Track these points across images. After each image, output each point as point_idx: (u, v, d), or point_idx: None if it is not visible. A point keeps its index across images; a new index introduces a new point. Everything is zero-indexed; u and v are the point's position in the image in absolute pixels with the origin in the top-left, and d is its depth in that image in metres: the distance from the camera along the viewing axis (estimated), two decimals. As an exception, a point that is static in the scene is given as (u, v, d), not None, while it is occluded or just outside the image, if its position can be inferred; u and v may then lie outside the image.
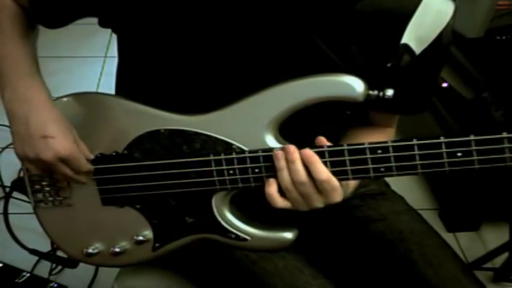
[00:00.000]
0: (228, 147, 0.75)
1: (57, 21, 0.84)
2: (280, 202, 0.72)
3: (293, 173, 0.70)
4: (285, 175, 0.71)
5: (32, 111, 0.77)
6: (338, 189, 0.70)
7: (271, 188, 0.72)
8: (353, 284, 0.87)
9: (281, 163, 0.71)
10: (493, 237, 1.68)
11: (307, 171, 0.70)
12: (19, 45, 0.82)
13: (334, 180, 0.69)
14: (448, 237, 1.33)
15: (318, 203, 0.72)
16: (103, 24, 0.81)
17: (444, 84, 1.68)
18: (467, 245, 1.72)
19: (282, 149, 0.71)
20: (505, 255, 1.52)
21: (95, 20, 0.81)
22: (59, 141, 0.77)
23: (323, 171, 0.69)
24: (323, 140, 0.72)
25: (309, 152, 0.70)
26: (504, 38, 1.71)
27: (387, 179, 0.90)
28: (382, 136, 0.87)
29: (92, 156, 0.81)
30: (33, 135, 0.76)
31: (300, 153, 0.70)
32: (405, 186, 1.05)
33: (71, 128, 0.80)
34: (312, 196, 0.71)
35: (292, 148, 0.70)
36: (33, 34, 0.86)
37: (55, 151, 0.76)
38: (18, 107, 0.77)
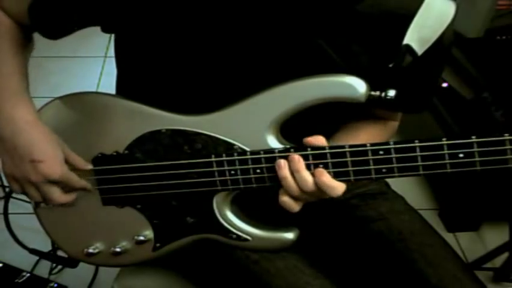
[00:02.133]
0: (229, 147, 0.75)
1: (59, 32, 0.83)
2: (296, 207, 0.73)
3: (300, 183, 0.70)
4: (290, 183, 0.71)
5: (17, 133, 0.77)
6: (343, 188, 0.70)
7: (285, 197, 0.72)
8: (354, 283, 0.87)
9: (283, 171, 0.71)
10: (493, 237, 1.68)
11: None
12: (11, 61, 0.81)
13: (342, 186, 0.70)
14: (448, 237, 1.33)
15: (329, 196, 0.72)
16: (105, 30, 0.81)
17: (445, 84, 1.68)
18: (467, 245, 1.72)
19: (286, 157, 0.71)
20: (505, 255, 1.52)
21: (95, 19, 0.81)
22: (48, 165, 0.77)
23: (336, 188, 0.69)
24: (320, 139, 0.72)
25: (319, 171, 0.70)
26: (504, 38, 1.72)
27: (387, 179, 0.90)
28: (385, 129, 0.88)
29: (89, 166, 0.81)
30: (22, 158, 0.76)
31: (313, 171, 0.70)
32: (405, 186, 1.05)
33: (59, 146, 0.80)
34: (322, 195, 0.72)
35: (296, 157, 0.70)
36: (26, 50, 0.86)
37: (45, 175, 0.77)
38: (4, 128, 0.77)
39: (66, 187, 0.81)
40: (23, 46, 0.85)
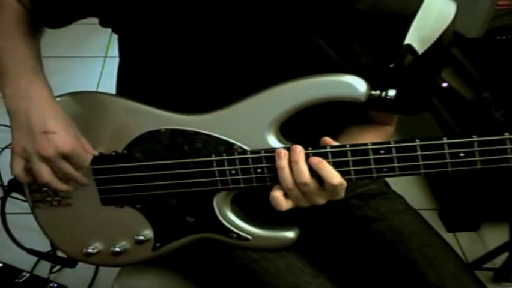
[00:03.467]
0: (229, 147, 0.75)
1: (58, 21, 0.83)
2: (284, 205, 0.73)
3: (296, 173, 0.70)
4: (286, 174, 0.71)
5: (32, 107, 0.76)
6: (344, 188, 0.71)
7: (277, 192, 0.73)
8: (354, 283, 0.87)
9: (283, 162, 0.71)
10: (493, 237, 1.68)
11: (312, 173, 0.70)
12: (24, 43, 0.81)
13: (344, 183, 0.70)
14: (448, 237, 1.33)
15: (321, 200, 0.73)
16: (103, 24, 0.81)
17: (445, 84, 1.68)
18: (467, 245, 1.72)
19: (288, 148, 0.71)
20: (505, 255, 1.52)
21: (95, 20, 0.81)
22: (61, 137, 0.76)
23: (336, 176, 0.70)
24: (328, 141, 0.72)
25: (316, 159, 0.70)
26: (504, 38, 1.72)
27: (387, 178, 0.90)
28: (382, 134, 0.88)
29: (96, 152, 0.81)
30: (34, 131, 0.75)
31: (309, 160, 0.70)
32: (405, 186, 1.05)
33: (72, 124, 0.80)
34: (315, 195, 0.72)
35: (298, 148, 0.71)
36: (38, 33, 0.86)
37: (56, 146, 0.75)
38: (19, 103, 0.77)
39: (75, 165, 0.79)
40: (34, 30, 0.85)
